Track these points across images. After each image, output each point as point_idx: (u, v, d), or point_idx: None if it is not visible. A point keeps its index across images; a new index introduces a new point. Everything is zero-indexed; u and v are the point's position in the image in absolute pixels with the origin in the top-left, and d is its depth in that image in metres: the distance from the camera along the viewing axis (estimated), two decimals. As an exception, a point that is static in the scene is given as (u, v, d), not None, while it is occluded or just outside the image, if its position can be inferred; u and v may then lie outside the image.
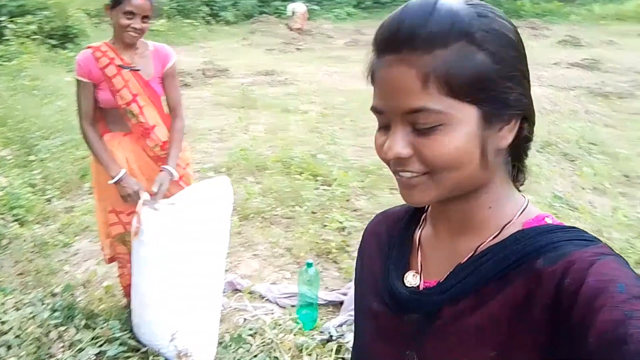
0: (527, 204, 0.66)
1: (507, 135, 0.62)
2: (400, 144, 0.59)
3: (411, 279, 0.70)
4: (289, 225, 3.70)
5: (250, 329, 2.56)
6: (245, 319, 2.68)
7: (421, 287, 0.69)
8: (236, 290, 2.91)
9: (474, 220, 0.66)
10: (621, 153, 5.02)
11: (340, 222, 3.61)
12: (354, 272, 0.86)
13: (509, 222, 0.64)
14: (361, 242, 0.86)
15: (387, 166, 0.64)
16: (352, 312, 2.61)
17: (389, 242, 0.78)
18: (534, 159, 4.98)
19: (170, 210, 2.32)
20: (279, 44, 12.53)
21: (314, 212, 3.84)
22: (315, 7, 18.34)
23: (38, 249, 3.29)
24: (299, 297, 2.68)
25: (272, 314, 2.73)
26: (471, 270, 0.63)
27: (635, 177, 4.54)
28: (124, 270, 2.58)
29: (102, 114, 2.37)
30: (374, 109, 0.63)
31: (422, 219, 0.76)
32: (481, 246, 0.65)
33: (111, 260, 2.62)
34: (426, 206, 0.75)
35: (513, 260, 0.60)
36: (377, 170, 4.56)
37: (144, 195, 2.33)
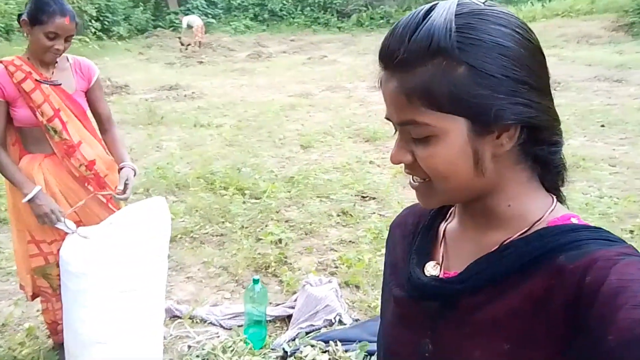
0: (555, 204, 0.67)
1: (505, 143, 0.61)
2: (401, 151, 0.63)
3: (431, 269, 0.71)
4: (221, 243, 3.57)
5: (198, 356, 2.41)
6: (189, 346, 2.52)
7: (439, 277, 0.70)
8: (175, 317, 2.74)
9: (496, 217, 0.67)
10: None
11: (275, 234, 3.54)
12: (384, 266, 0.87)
13: (539, 220, 0.64)
14: (388, 234, 0.88)
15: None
16: (302, 325, 2.60)
17: (413, 232, 0.79)
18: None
19: (102, 236, 2.13)
20: (179, 58, 12.18)
21: (245, 227, 3.74)
22: (212, 21, 18.10)
23: None
24: (246, 315, 2.58)
25: (218, 336, 2.60)
26: (492, 263, 0.64)
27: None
28: (47, 305, 2.33)
29: (18, 135, 2.13)
30: (387, 117, 0.65)
31: (449, 213, 0.77)
32: (507, 241, 0.65)
33: (34, 296, 2.35)
34: None
35: (535, 256, 0.61)
36: (303, 180, 4.56)
37: (69, 224, 2.12)
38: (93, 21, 13.49)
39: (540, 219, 0.64)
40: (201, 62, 12.09)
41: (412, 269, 0.72)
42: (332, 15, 19.34)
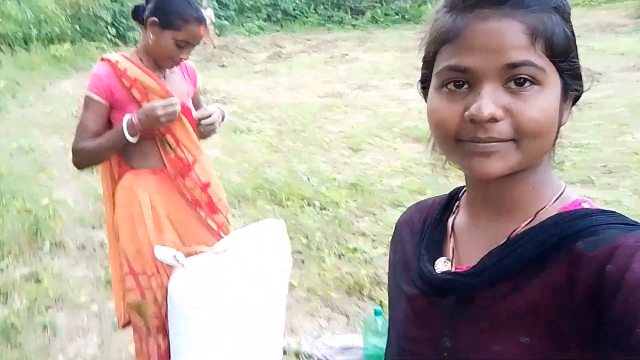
0: (564, 189, 0.65)
1: (566, 113, 0.63)
2: (494, 104, 0.56)
3: (442, 265, 0.69)
4: (300, 262, 3.27)
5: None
6: (301, 387, 2.24)
7: (452, 272, 0.68)
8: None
9: (513, 203, 0.65)
10: (589, 144, 5.11)
11: (360, 250, 3.25)
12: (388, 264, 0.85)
13: (544, 208, 0.63)
14: (394, 232, 0.85)
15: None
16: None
17: (422, 228, 0.77)
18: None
19: (215, 267, 1.84)
20: (200, 61, 11.90)
21: (322, 242, 3.44)
22: (225, 22, 17.83)
23: (4, 337, 2.59)
24: (365, 350, 2.28)
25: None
26: (507, 254, 0.61)
27: (614, 167, 4.61)
28: (141, 346, 2.02)
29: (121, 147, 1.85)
30: (455, 68, 0.59)
31: (455, 207, 0.75)
32: (516, 231, 0.63)
33: (126, 325, 2.05)
34: (460, 194, 0.76)
35: (552, 244, 0.59)
36: (368, 187, 4.27)
37: (179, 256, 1.83)
38: (108, 27, 13.24)
39: (545, 205, 0.63)
40: (223, 65, 11.82)
41: (424, 265, 0.70)
42: (346, 12, 19.03)
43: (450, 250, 0.70)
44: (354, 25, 18.39)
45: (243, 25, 17.96)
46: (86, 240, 3.59)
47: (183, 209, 1.90)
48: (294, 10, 19.00)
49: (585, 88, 0.64)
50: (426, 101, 0.66)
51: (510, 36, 0.56)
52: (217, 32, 14.79)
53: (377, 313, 2.20)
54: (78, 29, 12.70)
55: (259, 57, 13.18)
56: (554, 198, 0.64)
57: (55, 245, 3.52)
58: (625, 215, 0.60)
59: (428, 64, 0.66)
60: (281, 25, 18.65)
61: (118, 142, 1.73)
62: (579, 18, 14.31)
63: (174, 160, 1.82)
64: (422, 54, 0.66)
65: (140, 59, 1.77)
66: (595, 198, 4.03)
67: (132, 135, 1.70)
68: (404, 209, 0.84)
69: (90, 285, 3.09)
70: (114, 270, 1.97)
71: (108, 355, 2.48)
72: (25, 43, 11.16)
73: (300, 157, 5.21)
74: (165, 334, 1.95)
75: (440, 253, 0.71)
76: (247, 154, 5.45)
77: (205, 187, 1.88)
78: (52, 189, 4.52)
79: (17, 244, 3.42)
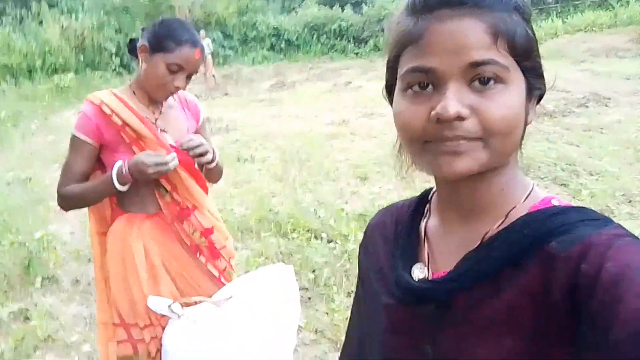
0: (532, 187, 0.66)
1: (532, 112, 0.63)
2: (460, 102, 0.56)
3: (418, 272, 0.68)
4: (307, 299, 3.06)
5: None
6: None
7: (429, 279, 0.67)
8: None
9: (484, 205, 0.64)
10: (607, 171, 4.93)
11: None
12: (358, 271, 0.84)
13: (514, 207, 0.63)
14: (363, 238, 0.83)
15: (414, 141, 0.61)
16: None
17: (394, 234, 0.75)
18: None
19: (216, 319, 1.65)
20: (204, 91, 11.88)
21: (330, 277, 3.24)
22: (229, 53, 17.95)
23: (-13, 382, 2.39)
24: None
25: None
26: (482, 257, 0.61)
27: (634, 196, 4.41)
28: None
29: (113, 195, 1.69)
30: (419, 69, 0.58)
31: (426, 210, 0.74)
32: (489, 233, 0.63)
33: None
34: (430, 197, 0.75)
35: (525, 245, 0.58)
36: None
37: (175, 307, 1.64)
38: (113, 57, 13.29)
39: (516, 205, 0.63)
40: (226, 94, 11.79)
41: (400, 274, 0.68)
42: (349, 41, 19.13)
43: (426, 256, 0.70)
44: (356, 54, 18.46)
45: (247, 55, 18.07)
46: (81, 275, 3.40)
47: (181, 255, 1.72)
48: (297, 39, 19.13)
49: (547, 87, 0.65)
50: (392, 106, 0.65)
51: (473, 35, 0.56)
52: (221, 61, 14.83)
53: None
54: (82, 59, 12.75)
55: (263, 86, 13.17)
56: (524, 197, 0.64)
57: (48, 280, 3.33)
58: None
59: (392, 68, 0.65)
60: (285, 55, 18.75)
61: (107, 190, 1.59)
62: (581, 43, 14.32)
63: (170, 203, 1.65)
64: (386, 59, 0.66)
65: (134, 93, 1.63)
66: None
67: (122, 184, 1.56)
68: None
69: (83, 324, 2.89)
70: (101, 316, 1.78)
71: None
72: (30, 73, 11.18)
73: (306, 186, 5.04)
74: (160, 389, 1.75)
75: (416, 259, 0.70)
76: (251, 184, 5.28)
77: (207, 232, 1.70)
78: (49, 221, 4.35)
79: (6, 279, 3.22)
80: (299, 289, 3.13)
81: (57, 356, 2.61)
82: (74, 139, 1.59)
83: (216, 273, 1.77)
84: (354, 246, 3.54)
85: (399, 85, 0.63)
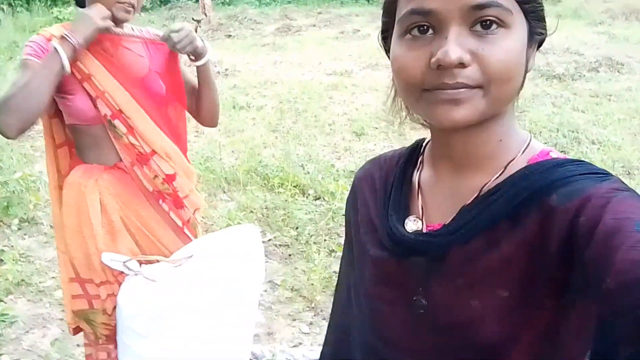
0: (530, 139, 0.65)
1: (532, 59, 0.62)
2: (461, 47, 0.54)
3: (412, 224, 0.67)
4: (287, 256, 3.02)
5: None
6: (274, 405, 2.01)
7: (424, 231, 0.66)
8: (250, 361, 2.21)
9: (482, 156, 0.63)
10: (609, 141, 4.78)
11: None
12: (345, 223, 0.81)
13: (513, 159, 0.63)
14: (351, 191, 0.81)
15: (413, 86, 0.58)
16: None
17: (384, 185, 0.73)
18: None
19: (175, 278, 1.59)
20: (206, 32, 11.52)
21: (312, 235, 3.18)
22: (236, -9, 17.32)
23: (-43, 323, 2.37)
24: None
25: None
26: (480, 210, 0.60)
27: (633, 168, 4.29)
28: (91, 352, 1.78)
29: (70, 135, 1.59)
30: (418, 11, 0.56)
31: (419, 162, 0.73)
32: (487, 185, 0.62)
33: (76, 331, 1.80)
34: (423, 148, 0.73)
35: (524, 197, 0.58)
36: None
37: (131, 264, 1.58)
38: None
39: (515, 157, 0.63)
40: (229, 36, 11.44)
41: (394, 225, 0.67)
42: (361, -13, 18.42)
43: (419, 208, 0.68)
44: (367, 0, 17.81)
45: (254, -5, 17.45)
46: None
47: (142, 209, 1.63)
48: (307, -18, 18.42)
49: (549, 32, 0.63)
50: (387, 54, 0.64)
51: None
52: (227, 0, 14.30)
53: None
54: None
55: (268, 29, 12.75)
56: (522, 149, 0.63)
57: (27, 222, 3.29)
58: None
59: (389, 11, 0.63)
60: (294, -3, 18.10)
61: (53, 69, 1.37)
62: (601, 3, 13.72)
63: (127, 145, 1.54)
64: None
65: None
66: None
67: (69, 57, 1.37)
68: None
69: (58, 269, 2.85)
70: (62, 272, 1.72)
71: (64, 351, 2.25)
72: (28, 4, 10.81)
73: (299, 139, 4.92)
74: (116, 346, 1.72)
75: (409, 211, 0.69)
76: (244, 132, 5.16)
77: (169, 178, 1.61)
78: (34, 160, 4.27)
79: (-17, 220, 3.18)
80: (280, 246, 3.10)
81: (29, 301, 2.59)
82: (24, 61, 1.42)
83: (179, 223, 1.68)
84: (340, 204, 3.47)
85: (396, 30, 0.61)
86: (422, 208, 0.68)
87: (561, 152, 2.90)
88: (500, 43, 0.55)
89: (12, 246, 2.99)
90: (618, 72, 7.75)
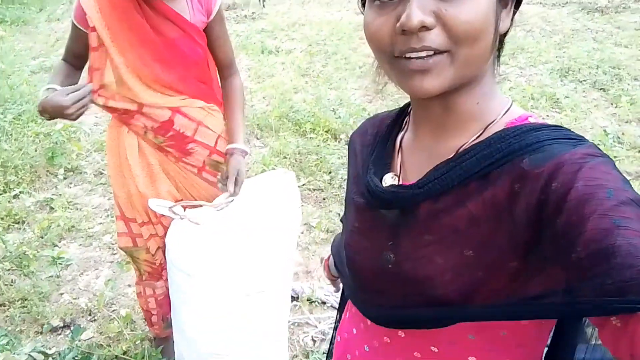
0: (511, 104, 0.65)
1: (506, 19, 0.61)
2: (423, 10, 0.54)
3: (389, 180, 0.69)
4: (321, 200, 3.09)
5: (325, 353, 2.02)
6: (313, 339, 2.13)
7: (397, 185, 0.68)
8: (291, 299, 2.33)
9: (459, 119, 0.64)
10: (652, 77, 4.58)
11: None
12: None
13: (493, 122, 0.63)
14: (348, 145, 0.85)
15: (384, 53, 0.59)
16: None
17: (372, 142, 0.77)
18: (561, 88, 4.50)
19: (218, 223, 1.67)
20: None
21: (344, 179, 3.23)
22: None
23: (16, 265, 2.56)
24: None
25: (341, 324, 2.19)
26: (452, 167, 0.61)
27: (678, 104, 4.12)
28: (139, 289, 1.90)
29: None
30: None
31: (404, 123, 0.74)
32: (463, 146, 0.63)
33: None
34: (409, 109, 0.74)
35: (497, 158, 0.58)
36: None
37: (177, 209, 1.65)
38: None
39: (494, 120, 0.63)
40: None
41: (370, 178, 0.70)
42: None
43: (398, 167, 0.71)
44: None
45: None
46: (103, 166, 3.48)
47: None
48: None
49: None
50: None
51: None
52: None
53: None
54: None
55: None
56: (502, 113, 0.64)
57: (72, 172, 3.44)
58: None
59: None
60: None
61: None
62: None
63: (109, 108, 1.58)
64: None
65: None
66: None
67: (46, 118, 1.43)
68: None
69: (104, 215, 3.01)
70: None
71: (117, 290, 2.42)
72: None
73: (329, 83, 4.88)
74: (161, 280, 1.84)
75: (389, 168, 0.71)
76: (274, 77, 5.15)
77: (160, 130, 1.59)
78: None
79: (32, 169, 3.34)
80: (314, 190, 3.17)
81: (81, 245, 2.75)
82: (72, 24, 1.55)
83: (195, 170, 1.69)
84: (371, 149, 3.49)
85: None
86: (400, 166, 0.71)
87: (600, 89, 2.85)
88: (464, 3, 0.54)
89: (60, 194, 3.15)
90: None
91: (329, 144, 3.62)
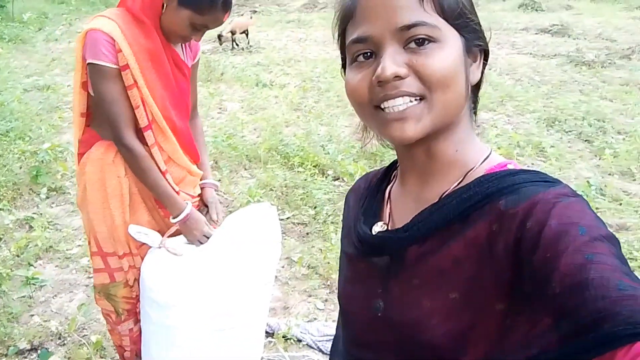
0: (490, 152, 0.68)
1: (476, 71, 0.66)
2: (395, 63, 0.60)
3: (378, 229, 0.71)
4: (304, 234, 3.08)
5: (297, 392, 1.97)
6: (287, 376, 2.08)
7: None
8: (266, 334, 2.29)
9: (440, 166, 0.67)
10: (636, 132, 4.68)
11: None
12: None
13: (473, 168, 0.66)
14: (344, 201, 0.88)
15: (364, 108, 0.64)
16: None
17: (364, 197, 0.80)
18: (547, 137, 4.59)
19: (197, 253, 1.66)
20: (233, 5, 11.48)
21: (330, 215, 3.23)
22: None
23: (-11, 284, 2.50)
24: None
25: (317, 363, 2.15)
26: (434, 211, 0.64)
27: (660, 160, 4.21)
28: (112, 327, 1.85)
29: (90, 114, 1.64)
30: (357, 39, 0.63)
31: (392, 176, 0.79)
32: (446, 192, 0.66)
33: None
34: (397, 164, 0.78)
35: (476, 200, 0.61)
36: (389, 158, 3.99)
37: (153, 235, 1.64)
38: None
39: (474, 167, 0.66)
40: (255, 11, 11.40)
41: (360, 227, 0.73)
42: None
43: (387, 216, 0.73)
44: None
45: (281, -29, 17.28)
46: (88, 189, 3.45)
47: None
48: (335, -42, 18.16)
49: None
50: None
51: (399, 0, 0.59)
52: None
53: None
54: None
55: (294, 5, 12.68)
56: (481, 160, 0.66)
57: (55, 191, 3.40)
58: None
59: (341, 48, 0.69)
60: (321, -26, 17.87)
61: (164, 200, 1.61)
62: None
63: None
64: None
65: (137, 20, 1.47)
66: (634, 194, 3.69)
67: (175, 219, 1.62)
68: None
69: (84, 237, 2.95)
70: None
71: (90, 315, 2.36)
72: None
73: (321, 118, 4.94)
74: (138, 318, 1.79)
75: (378, 218, 0.74)
76: (266, 110, 5.20)
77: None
78: (62, 130, 4.39)
79: (15, 187, 3.30)
80: (298, 224, 3.15)
81: (57, 267, 2.70)
82: (104, 70, 1.43)
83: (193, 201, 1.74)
84: (358, 186, 3.51)
85: (347, 60, 0.66)
86: (389, 215, 0.74)
87: (585, 141, 2.90)
88: (432, 54, 0.59)
89: (41, 214, 3.11)
90: (642, 60, 7.53)
91: (316, 179, 3.63)
